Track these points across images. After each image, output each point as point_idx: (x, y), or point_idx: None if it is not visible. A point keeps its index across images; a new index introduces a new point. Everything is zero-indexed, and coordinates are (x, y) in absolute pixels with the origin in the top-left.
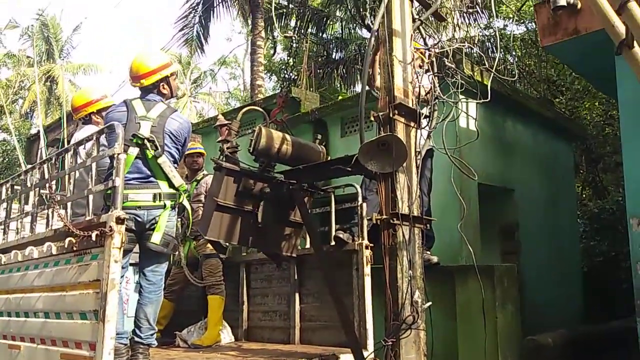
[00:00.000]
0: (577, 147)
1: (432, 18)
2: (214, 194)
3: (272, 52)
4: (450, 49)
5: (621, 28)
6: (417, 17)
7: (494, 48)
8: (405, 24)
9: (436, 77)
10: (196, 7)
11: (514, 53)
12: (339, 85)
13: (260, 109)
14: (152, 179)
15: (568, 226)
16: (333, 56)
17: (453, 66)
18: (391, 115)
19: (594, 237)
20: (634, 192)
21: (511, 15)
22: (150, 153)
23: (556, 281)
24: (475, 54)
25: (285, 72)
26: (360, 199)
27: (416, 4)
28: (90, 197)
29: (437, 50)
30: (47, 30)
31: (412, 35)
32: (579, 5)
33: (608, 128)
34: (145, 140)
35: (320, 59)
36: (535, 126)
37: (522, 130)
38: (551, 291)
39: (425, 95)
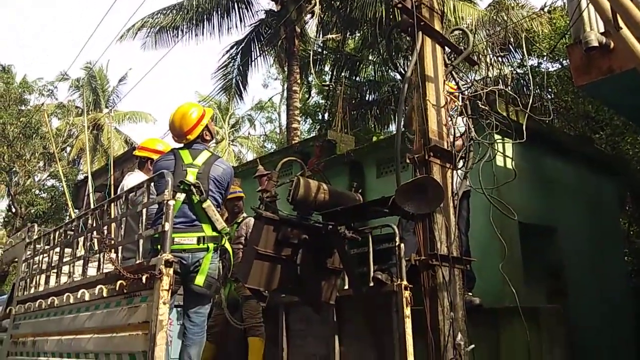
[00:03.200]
0: (621, 183)
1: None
2: (254, 242)
3: (307, 95)
4: (483, 92)
5: None
6: (449, 62)
7: (528, 85)
8: (437, 69)
9: (470, 119)
10: (235, 57)
11: (549, 90)
12: (373, 126)
13: (299, 160)
14: (196, 222)
15: (616, 265)
16: (366, 98)
17: (487, 108)
18: (426, 157)
19: None
20: None
21: (545, 53)
22: (195, 198)
23: (607, 323)
24: (509, 93)
25: (320, 114)
26: (397, 239)
27: (448, 49)
28: (140, 241)
29: (470, 94)
30: (94, 82)
31: (444, 80)
32: (612, 45)
33: None
34: (192, 186)
35: (354, 101)
36: (576, 163)
37: (562, 168)
38: (602, 334)
39: (461, 136)
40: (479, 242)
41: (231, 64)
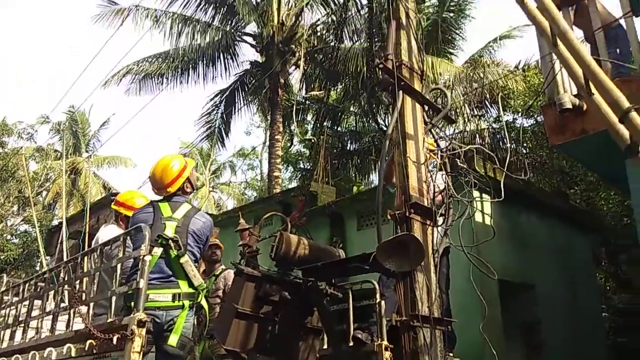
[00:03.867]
0: (596, 239)
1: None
2: (234, 300)
3: (289, 143)
4: (462, 150)
5: (626, 134)
6: (428, 120)
7: (504, 140)
8: (417, 127)
9: (449, 177)
10: (219, 105)
11: (524, 144)
12: (354, 176)
13: (282, 215)
14: (172, 278)
15: (594, 321)
16: (348, 147)
17: (465, 166)
18: (407, 214)
19: (624, 333)
20: None
21: (519, 110)
22: (173, 253)
23: None
24: (487, 151)
25: (301, 162)
26: (378, 296)
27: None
28: (113, 298)
29: (449, 152)
30: (75, 125)
31: (424, 137)
32: (584, 107)
33: (626, 218)
34: (170, 241)
35: (335, 150)
36: (552, 219)
37: (539, 224)
38: None
39: (440, 193)
40: (459, 300)
41: (214, 112)
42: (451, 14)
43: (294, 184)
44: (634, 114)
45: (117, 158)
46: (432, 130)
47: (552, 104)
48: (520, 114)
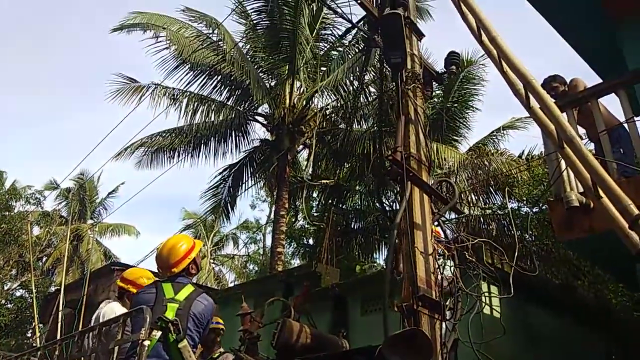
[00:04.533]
0: (606, 334)
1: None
2: None
3: (293, 219)
4: (470, 243)
5: (636, 239)
6: (436, 211)
7: (510, 226)
8: (425, 217)
9: (458, 269)
10: (227, 179)
11: (530, 232)
12: (357, 254)
13: (285, 300)
14: None
15: None
16: (352, 226)
17: (474, 259)
18: (415, 306)
19: None
20: None
21: (524, 198)
22: (172, 337)
23: None
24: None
25: (305, 239)
26: None
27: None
28: None
29: (457, 244)
30: (83, 192)
31: (432, 229)
32: (592, 205)
33: (636, 312)
34: (170, 324)
35: (339, 228)
36: (560, 313)
37: (547, 318)
38: None
39: (448, 285)
40: None
41: (222, 185)
42: (455, 104)
43: (296, 260)
44: None
45: (120, 226)
46: (440, 220)
47: (559, 200)
48: (525, 202)
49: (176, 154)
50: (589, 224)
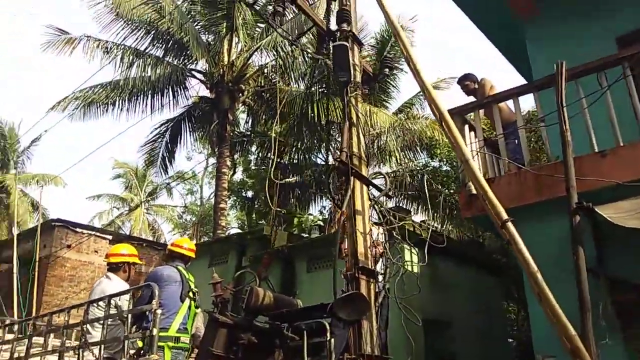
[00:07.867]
0: (509, 278)
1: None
2: (208, 344)
3: (232, 172)
4: (396, 224)
5: (506, 233)
6: (372, 198)
7: (431, 182)
8: (364, 204)
9: (388, 244)
10: (164, 134)
11: (447, 188)
12: (294, 207)
13: (252, 272)
14: (186, 326)
15: (502, 354)
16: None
17: (400, 239)
18: (356, 274)
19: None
20: (538, 335)
21: (444, 159)
22: (195, 305)
23: None
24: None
25: (244, 191)
26: (328, 334)
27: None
28: (126, 342)
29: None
30: (3, 140)
31: (369, 213)
32: None
33: None
34: (196, 295)
35: (277, 182)
36: (468, 265)
37: (457, 270)
38: None
39: (380, 255)
40: (392, 338)
41: (159, 139)
42: (386, 69)
43: (234, 212)
44: (509, 224)
45: (47, 176)
46: (375, 206)
47: (464, 186)
48: (445, 162)
49: (109, 106)
50: (482, 207)
